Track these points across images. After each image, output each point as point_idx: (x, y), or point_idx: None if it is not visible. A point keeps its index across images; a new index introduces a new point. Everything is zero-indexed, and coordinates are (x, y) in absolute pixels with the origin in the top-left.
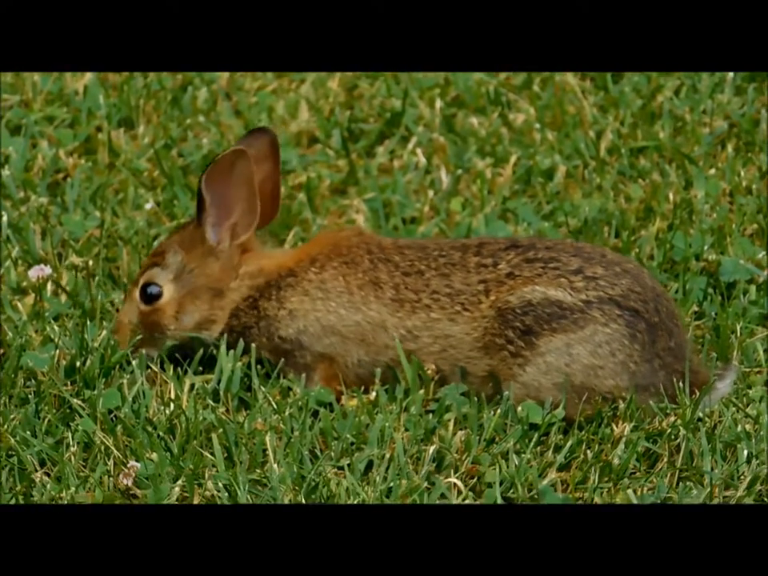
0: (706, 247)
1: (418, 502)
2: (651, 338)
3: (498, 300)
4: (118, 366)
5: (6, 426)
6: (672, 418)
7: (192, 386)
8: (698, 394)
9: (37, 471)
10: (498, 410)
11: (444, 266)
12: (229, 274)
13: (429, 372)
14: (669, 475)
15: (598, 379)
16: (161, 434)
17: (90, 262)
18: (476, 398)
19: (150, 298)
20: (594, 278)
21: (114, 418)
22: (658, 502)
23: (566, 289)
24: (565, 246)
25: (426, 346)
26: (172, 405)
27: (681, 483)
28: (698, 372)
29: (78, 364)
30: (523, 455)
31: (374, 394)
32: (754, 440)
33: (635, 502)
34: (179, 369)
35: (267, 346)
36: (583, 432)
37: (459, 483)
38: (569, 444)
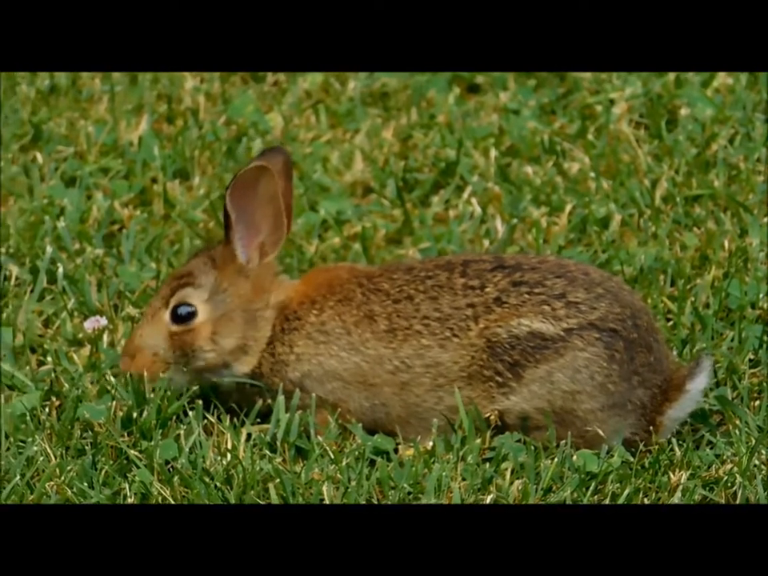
0: (761, 295)
1: None
2: (630, 355)
3: (487, 329)
4: (174, 417)
5: (63, 478)
6: (728, 466)
7: (249, 435)
8: (671, 399)
9: None
10: (555, 459)
11: (432, 288)
12: (260, 296)
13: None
14: None
15: (576, 403)
16: (218, 484)
17: None
18: (533, 447)
19: (183, 317)
20: (575, 304)
21: (170, 469)
22: None
23: (548, 319)
24: (550, 266)
25: (418, 376)
26: (229, 455)
27: None
28: (672, 380)
29: (134, 415)
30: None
31: (430, 443)
32: None
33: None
34: (236, 419)
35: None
36: (640, 480)
37: None
38: (626, 492)
